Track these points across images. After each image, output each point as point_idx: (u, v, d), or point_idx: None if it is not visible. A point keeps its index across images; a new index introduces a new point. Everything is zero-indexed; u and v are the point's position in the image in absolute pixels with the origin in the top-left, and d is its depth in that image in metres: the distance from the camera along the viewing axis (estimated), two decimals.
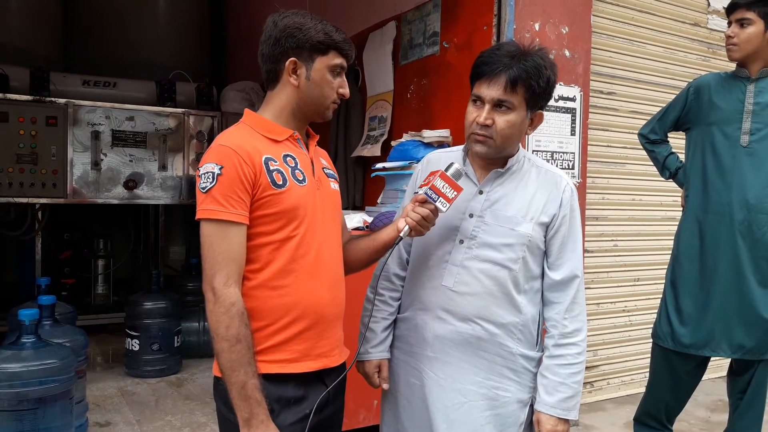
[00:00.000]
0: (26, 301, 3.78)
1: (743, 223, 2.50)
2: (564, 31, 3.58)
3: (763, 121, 2.50)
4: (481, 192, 1.70)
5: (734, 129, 2.53)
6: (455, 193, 1.58)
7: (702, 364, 2.65)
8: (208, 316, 1.43)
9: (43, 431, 2.66)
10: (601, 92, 4.01)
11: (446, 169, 1.59)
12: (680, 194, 2.84)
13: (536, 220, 1.67)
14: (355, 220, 3.29)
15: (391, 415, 1.83)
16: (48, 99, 4.70)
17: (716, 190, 2.56)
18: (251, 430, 1.40)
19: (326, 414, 1.60)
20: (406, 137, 3.61)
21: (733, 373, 2.70)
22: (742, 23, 2.50)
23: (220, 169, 1.44)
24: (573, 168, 3.70)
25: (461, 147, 1.79)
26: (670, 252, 2.75)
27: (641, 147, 2.92)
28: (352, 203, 4.51)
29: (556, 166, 3.48)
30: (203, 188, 1.45)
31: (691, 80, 2.80)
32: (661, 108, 2.85)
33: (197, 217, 1.46)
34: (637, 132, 2.93)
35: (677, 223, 2.75)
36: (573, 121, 3.67)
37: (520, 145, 1.73)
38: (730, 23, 2.56)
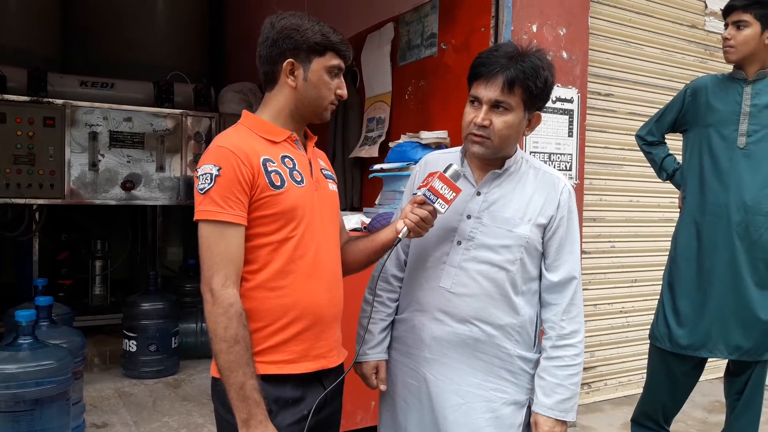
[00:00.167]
0: (23, 301, 3.77)
1: (740, 224, 2.51)
2: (561, 33, 3.59)
3: (760, 122, 2.51)
4: (478, 193, 1.70)
5: (731, 131, 2.54)
6: (453, 194, 1.58)
7: (699, 365, 2.65)
8: (207, 317, 1.43)
9: None
10: (599, 94, 4.02)
11: (445, 171, 1.59)
12: (678, 196, 2.84)
13: (534, 222, 1.67)
14: (353, 221, 3.29)
15: (388, 417, 1.83)
16: (45, 100, 4.70)
17: (713, 192, 2.56)
18: (250, 431, 1.40)
19: (324, 415, 1.60)
20: (404, 138, 3.61)
21: (730, 374, 2.70)
22: (739, 25, 2.51)
23: (218, 170, 1.44)
24: (570, 169, 3.70)
25: (459, 148, 1.79)
26: (668, 253, 2.75)
27: (638, 148, 2.92)
28: (350, 204, 4.51)
29: (554, 167, 3.49)
30: (201, 189, 1.45)
31: (688, 82, 2.81)
32: (658, 110, 2.86)
33: (195, 218, 1.46)
34: (634, 134, 2.94)
35: (674, 224, 2.76)
36: (570, 123, 3.68)
37: (517, 146, 1.74)
38: (726, 25, 2.57)
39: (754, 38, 2.49)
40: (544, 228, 1.68)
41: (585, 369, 3.88)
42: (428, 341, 1.71)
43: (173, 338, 4.47)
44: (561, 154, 3.65)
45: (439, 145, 3.47)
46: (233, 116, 5.14)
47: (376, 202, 3.69)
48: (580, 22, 3.69)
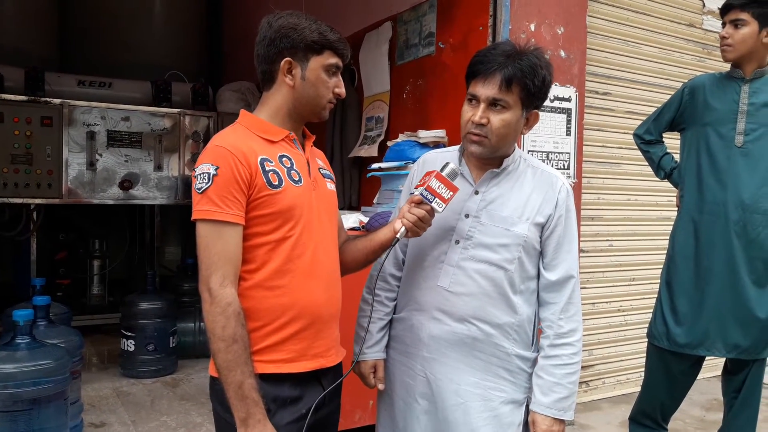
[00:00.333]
0: (21, 301, 3.77)
1: (738, 223, 2.51)
2: (559, 32, 3.59)
3: (758, 121, 2.51)
4: (476, 192, 1.70)
5: (729, 129, 2.54)
6: (451, 193, 1.58)
7: (697, 363, 2.66)
8: (205, 316, 1.43)
9: None
10: (597, 93, 4.02)
11: (441, 170, 1.59)
12: (675, 194, 2.84)
13: (532, 221, 1.67)
14: (351, 220, 3.29)
15: (386, 416, 1.83)
16: (43, 99, 4.69)
17: (711, 191, 2.56)
18: (248, 430, 1.40)
19: (322, 414, 1.60)
20: (402, 137, 3.61)
21: (728, 372, 2.71)
22: (737, 24, 2.51)
23: (216, 169, 1.44)
24: (568, 168, 3.71)
25: (457, 147, 1.79)
26: (665, 252, 2.75)
27: (636, 147, 2.92)
28: (348, 203, 4.51)
29: (552, 166, 3.49)
30: (199, 189, 1.45)
31: (686, 81, 2.81)
32: (656, 108, 2.86)
33: (193, 217, 1.46)
34: (632, 132, 2.94)
35: (672, 223, 2.76)
36: (568, 122, 3.68)
37: (515, 145, 1.74)
38: (724, 24, 2.57)
39: (751, 37, 2.49)
40: (542, 227, 1.68)
41: (583, 367, 3.89)
42: (426, 340, 1.71)
43: (171, 337, 4.47)
44: (559, 152, 3.66)
45: (437, 144, 3.47)
46: (231, 115, 5.14)
47: (375, 201, 3.69)
48: (578, 21, 3.69)
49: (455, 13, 3.70)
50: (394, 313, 1.83)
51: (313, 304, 1.54)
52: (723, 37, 2.55)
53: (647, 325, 2.76)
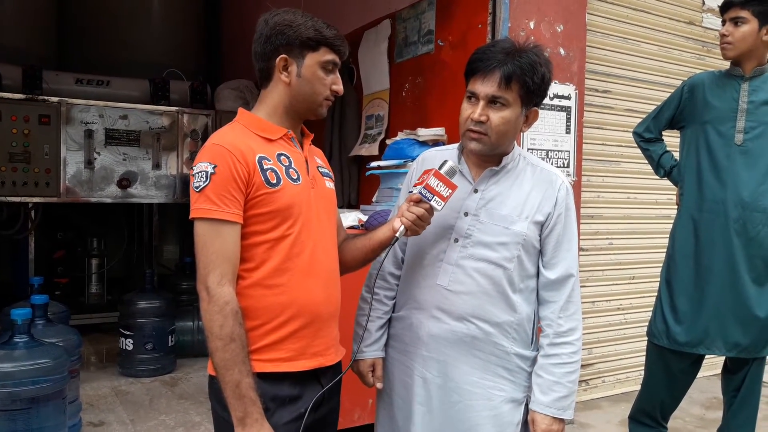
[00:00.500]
0: (19, 300, 3.76)
1: (738, 221, 2.51)
2: (559, 30, 3.58)
3: (757, 119, 2.50)
4: (476, 190, 1.69)
5: (728, 127, 2.53)
6: (450, 191, 1.57)
7: (697, 362, 2.65)
8: (203, 314, 1.42)
9: (36, 431, 2.64)
10: (596, 90, 4.01)
11: (440, 168, 1.59)
12: (675, 192, 2.84)
13: (531, 219, 1.67)
14: (350, 218, 3.29)
15: (385, 414, 1.82)
16: (41, 97, 4.67)
17: (711, 189, 2.56)
18: (245, 429, 1.40)
19: (321, 413, 1.59)
20: (401, 135, 3.61)
21: (728, 371, 2.71)
22: (737, 22, 2.50)
23: (214, 168, 1.43)
24: (568, 166, 3.70)
25: (456, 145, 1.78)
26: (665, 250, 2.75)
27: (636, 145, 2.92)
28: (347, 201, 4.50)
29: (551, 164, 3.48)
30: (197, 187, 1.44)
31: (685, 78, 2.81)
32: (655, 106, 2.85)
33: (191, 216, 1.46)
34: (632, 130, 2.93)
35: (672, 221, 2.75)
36: (568, 120, 3.67)
37: (515, 143, 1.73)
38: (724, 22, 2.56)
39: (751, 35, 2.49)
40: (541, 225, 1.68)
41: (583, 366, 3.88)
42: (425, 339, 1.70)
43: (170, 336, 4.46)
44: (558, 151, 3.65)
45: (436, 142, 3.47)
46: (229, 113, 5.13)
47: (374, 200, 3.69)
48: (578, 19, 3.68)
49: (454, 11, 3.69)
50: (393, 312, 1.83)
51: (311, 302, 1.54)
52: (723, 35, 2.55)
53: (647, 324, 2.75)
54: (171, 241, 6.36)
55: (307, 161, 1.61)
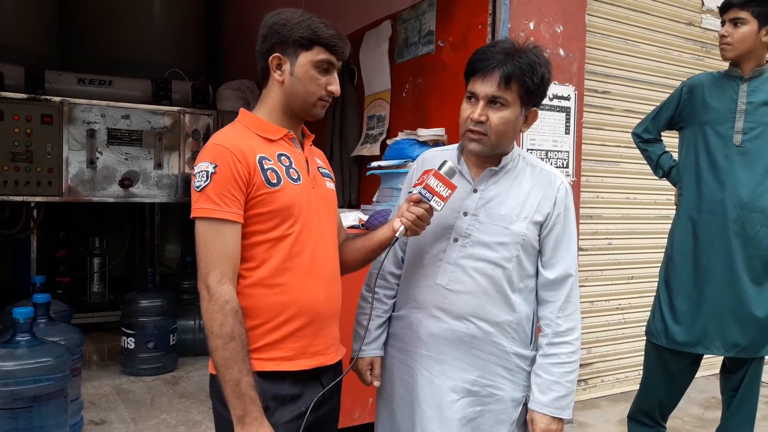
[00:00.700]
0: (21, 299, 3.77)
1: (737, 221, 2.51)
2: (558, 30, 3.59)
3: (756, 120, 2.51)
4: (475, 190, 1.70)
5: (727, 128, 2.54)
6: (449, 191, 1.58)
7: (695, 361, 2.66)
8: (203, 313, 1.43)
9: (38, 429, 2.66)
10: (596, 91, 4.02)
11: (440, 168, 1.60)
12: (674, 193, 2.85)
13: (530, 219, 1.67)
14: (351, 218, 3.30)
15: (385, 413, 1.83)
16: (43, 97, 4.68)
17: (710, 189, 2.57)
18: (245, 428, 1.40)
19: (322, 412, 1.60)
20: (401, 136, 3.62)
21: (726, 370, 2.71)
22: (736, 22, 2.51)
23: (215, 167, 1.44)
24: (567, 167, 3.71)
25: (456, 145, 1.79)
26: (664, 250, 2.76)
27: (635, 146, 2.93)
28: (347, 201, 4.51)
29: (551, 164, 3.49)
30: (198, 187, 1.45)
31: (684, 79, 2.81)
32: (655, 107, 2.86)
33: (192, 215, 1.47)
34: (631, 131, 2.94)
35: (671, 221, 2.76)
36: (567, 120, 3.68)
37: (515, 143, 1.74)
38: (723, 22, 2.57)
39: (751, 36, 2.49)
40: (540, 225, 1.69)
41: (582, 365, 3.89)
42: (425, 338, 1.71)
43: (171, 335, 4.47)
44: (558, 151, 3.66)
45: (436, 143, 3.48)
46: (231, 113, 5.14)
47: (374, 200, 3.70)
48: (577, 20, 3.69)
49: (454, 12, 3.70)
50: (393, 311, 1.83)
51: (312, 302, 1.55)
52: (722, 36, 2.55)
53: (646, 324, 2.76)
54: (173, 240, 6.37)
55: (307, 161, 1.62)
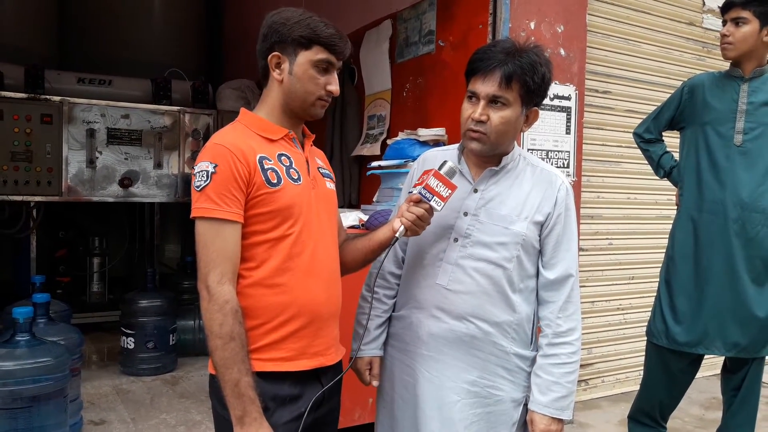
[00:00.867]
0: (21, 299, 3.77)
1: (737, 221, 2.51)
2: (559, 30, 3.59)
3: (757, 120, 2.51)
4: (475, 190, 1.70)
5: (728, 128, 2.54)
6: (449, 191, 1.57)
7: (696, 361, 2.66)
8: (203, 313, 1.43)
9: (38, 429, 2.65)
10: (597, 91, 4.02)
11: (440, 168, 1.59)
12: (675, 193, 2.84)
13: (531, 219, 1.67)
14: (351, 218, 3.29)
15: (385, 413, 1.83)
16: (43, 97, 4.68)
17: (710, 189, 2.56)
18: (244, 428, 1.40)
19: (322, 412, 1.60)
20: (401, 135, 3.61)
21: (727, 371, 2.71)
22: (738, 22, 2.50)
23: (215, 167, 1.44)
24: (568, 167, 3.71)
25: (457, 145, 1.79)
26: (665, 250, 2.76)
27: (636, 146, 2.93)
28: (347, 201, 4.51)
29: (551, 164, 3.49)
30: (198, 187, 1.45)
31: (685, 79, 2.81)
32: (656, 107, 2.86)
33: (192, 215, 1.46)
34: (632, 131, 2.94)
35: (672, 221, 2.76)
36: (568, 120, 3.68)
37: (515, 143, 1.74)
38: (725, 22, 2.56)
39: (752, 35, 2.49)
40: (541, 225, 1.68)
41: (582, 366, 3.89)
42: (425, 338, 1.71)
43: (171, 335, 4.47)
44: (559, 151, 3.66)
45: (436, 142, 3.47)
46: (231, 113, 5.14)
47: (374, 199, 3.69)
48: (578, 20, 3.68)
49: (455, 11, 3.69)
50: (393, 311, 1.83)
51: (312, 302, 1.54)
52: (723, 35, 2.55)
53: (646, 324, 2.76)
54: (172, 240, 6.37)
55: (308, 162, 1.61)
